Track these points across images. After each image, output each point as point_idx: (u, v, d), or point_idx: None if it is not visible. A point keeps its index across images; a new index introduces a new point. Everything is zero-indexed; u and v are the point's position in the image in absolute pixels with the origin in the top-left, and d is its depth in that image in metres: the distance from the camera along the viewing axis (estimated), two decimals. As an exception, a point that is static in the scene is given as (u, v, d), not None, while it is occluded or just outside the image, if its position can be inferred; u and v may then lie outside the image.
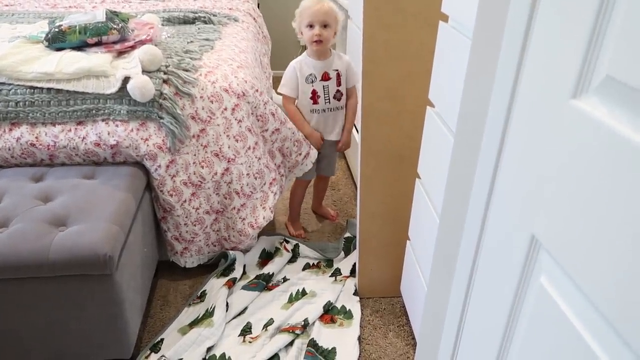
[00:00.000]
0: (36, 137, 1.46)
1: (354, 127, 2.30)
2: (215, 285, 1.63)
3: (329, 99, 1.77)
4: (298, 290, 1.65)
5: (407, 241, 1.48)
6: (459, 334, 0.96)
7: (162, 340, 1.44)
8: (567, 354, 0.58)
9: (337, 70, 1.76)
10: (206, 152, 1.57)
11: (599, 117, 0.51)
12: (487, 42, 0.84)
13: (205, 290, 1.62)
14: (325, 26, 1.66)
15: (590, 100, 0.53)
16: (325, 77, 1.74)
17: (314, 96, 1.75)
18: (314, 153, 1.82)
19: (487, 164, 0.79)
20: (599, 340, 0.53)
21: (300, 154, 1.79)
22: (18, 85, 1.47)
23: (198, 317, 1.51)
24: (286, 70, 1.76)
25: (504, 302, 0.74)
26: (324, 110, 1.78)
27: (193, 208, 1.61)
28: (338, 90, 1.78)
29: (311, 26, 1.67)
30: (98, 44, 1.59)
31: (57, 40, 1.57)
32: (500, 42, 0.74)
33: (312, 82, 1.73)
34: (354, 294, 1.65)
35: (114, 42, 1.61)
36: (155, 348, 1.42)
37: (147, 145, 1.49)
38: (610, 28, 0.50)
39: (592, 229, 0.52)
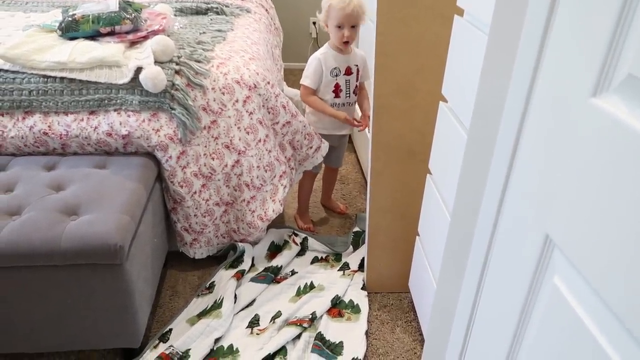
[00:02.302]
0: (49, 126, 1.47)
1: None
2: (223, 277, 1.63)
3: (349, 93, 1.76)
4: (306, 283, 1.66)
5: (417, 237, 1.47)
6: (469, 332, 0.96)
7: (170, 330, 1.45)
8: (579, 355, 0.57)
9: (357, 65, 1.75)
10: (217, 143, 1.57)
11: (620, 117, 0.50)
12: (504, 37, 0.83)
13: (214, 281, 1.63)
14: (353, 26, 1.65)
15: (611, 99, 0.52)
16: (348, 71, 1.74)
17: (337, 90, 1.74)
18: (325, 147, 1.82)
19: (502, 161, 0.78)
20: (611, 341, 0.52)
21: (311, 147, 1.79)
22: (31, 74, 1.48)
23: (206, 308, 1.52)
24: (309, 62, 1.74)
25: (515, 301, 0.73)
26: (344, 105, 1.77)
27: (203, 199, 1.61)
28: (356, 85, 1.78)
29: (339, 26, 1.65)
30: (111, 33, 1.59)
31: (71, 30, 1.58)
32: (518, 37, 0.73)
33: (337, 75, 1.72)
34: (362, 288, 1.65)
35: (127, 32, 1.62)
36: (164, 338, 1.43)
37: (159, 136, 1.49)
38: (635, 25, 0.48)
39: (607, 229, 0.51)
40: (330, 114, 1.75)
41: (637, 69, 0.48)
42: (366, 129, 1.83)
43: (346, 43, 1.67)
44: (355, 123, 1.76)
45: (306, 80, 1.73)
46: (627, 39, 0.50)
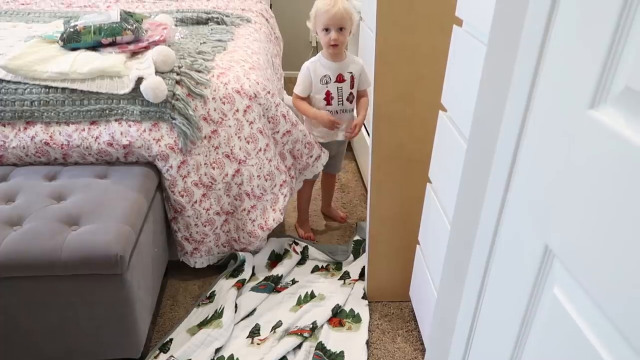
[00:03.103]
0: (50, 136, 1.47)
1: (365, 130, 2.30)
2: (224, 286, 1.63)
3: (342, 100, 1.77)
4: (307, 292, 1.65)
5: (417, 245, 1.47)
6: (469, 342, 0.96)
7: (171, 340, 1.45)
8: (580, 366, 0.57)
9: (351, 72, 1.75)
10: (217, 153, 1.58)
11: (617, 129, 0.50)
12: (503, 48, 0.84)
13: (214, 290, 1.63)
14: (341, 29, 1.66)
15: (608, 111, 0.52)
16: (340, 78, 1.74)
17: (328, 97, 1.75)
18: (325, 156, 1.82)
19: (501, 171, 0.78)
20: (611, 351, 0.52)
21: (311, 156, 1.79)
22: (33, 84, 1.48)
23: (207, 317, 1.52)
24: (300, 70, 1.76)
25: (516, 311, 0.73)
26: (337, 112, 1.78)
27: (203, 209, 1.61)
28: (351, 93, 1.78)
29: (326, 30, 1.66)
30: (112, 44, 1.60)
31: (72, 40, 1.59)
32: (516, 48, 0.73)
33: (327, 83, 1.73)
34: (363, 297, 1.65)
35: (128, 43, 1.63)
36: (165, 348, 1.42)
37: (159, 146, 1.49)
38: (631, 37, 0.49)
39: (606, 240, 0.52)
40: (312, 116, 1.75)
41: (634, 81, 0.48)
42: (367, 137, 1.83)
43: (334, 46, 1.67)
44: (338, 126, 1.76)
45: (297, 88, 1.77)
46: (624, 51, 0.50)
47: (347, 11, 1.64)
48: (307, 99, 1.78)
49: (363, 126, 2.35)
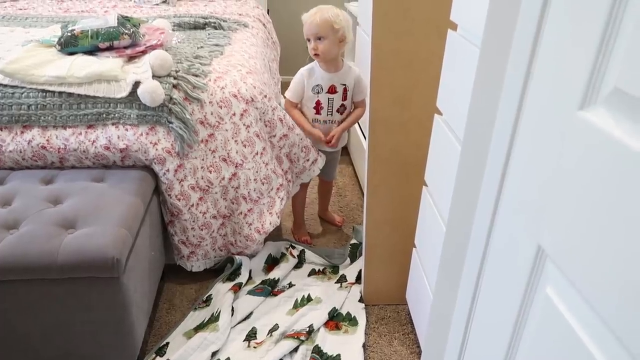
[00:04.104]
0: (47, 140, 1.48)
1: (361, 134, 2.31)
2: (221, 290, 1.63)
3: (331, 111, 1.76)
4: (303, 296, 1.65)
5: (413, 249, 1.48)
6: (464, 344, 0.96)
7: (167, 344, 1.45)
8: (573, 366, 0.58)
9: (344, 84, 1.73)
10: (214, 157, 1.58)
11: (606, 129, 0.51)
12: (495, 51, 0.85)
13: (211, 294, 1.63)
14: (319, 38, 1.65)
15: (598, 111, 0.53)
16: (332, 90, 1.73)
17: (317, 107, 1.75)
18: (321, 160, 1.83)
19: (494, 173, 0.79)
20: (604, 351, 0.53)
21: (307, 160, 1.79)
22: (30, 88, 1.49)
23: (203, 321, 1.52)
24: (295, 76, 1.76)
25: (509, 312, 0.73)
26: (325, 122, 1.77)
27: (200, 212, 1.62)
28: (342, 105, 1.76)
29: (308, 39, 1.68)
30: (109, 48, 1.61)
31: (70, 45, 1.59)
32: (508, 52, 0.74)
33: (318, 93, 1.73)
34: (359, 300, 1.65)
35: (125, 47, 1.63)
36: (161, 352, 1.42)
37: (156, 150, 1.50)
38: (619, 39, 0.50)
39: (598, 240, 0.52)
40: (306, 132, 1.76)
41: (623, 82, 0.49)
42: (364, 141, 1.84)
43: (316, 56, 1.69)
44: (325, 140, 1.76)
45: (288, 93, 1.77)
46: (613, 53, 0.51)
47: (325, 21, 1.62)
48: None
49: (360, 131, 2.36)
